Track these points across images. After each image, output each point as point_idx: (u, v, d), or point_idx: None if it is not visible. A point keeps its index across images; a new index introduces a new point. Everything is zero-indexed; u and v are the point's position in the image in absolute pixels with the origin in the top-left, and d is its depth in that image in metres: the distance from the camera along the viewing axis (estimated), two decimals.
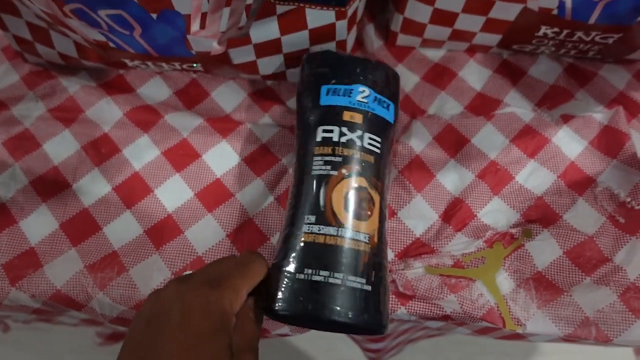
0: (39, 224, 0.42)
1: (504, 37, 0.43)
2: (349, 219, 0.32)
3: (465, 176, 0.43)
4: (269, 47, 0.42)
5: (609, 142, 0.42)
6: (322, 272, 0.30)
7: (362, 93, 0.35)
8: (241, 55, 0.42)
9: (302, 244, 0.32)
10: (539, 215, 0.41)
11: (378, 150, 0.35)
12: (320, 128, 0.35)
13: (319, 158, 0.34)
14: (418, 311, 0.38)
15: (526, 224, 0.41)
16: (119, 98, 0.48)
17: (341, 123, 0.34)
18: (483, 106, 0.45)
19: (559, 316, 0.37)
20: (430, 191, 0.42)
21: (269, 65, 0.44)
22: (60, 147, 0.45)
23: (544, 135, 0.43)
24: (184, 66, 0.45)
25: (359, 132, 0.34)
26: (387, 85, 0.37)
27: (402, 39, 0.47)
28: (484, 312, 0.38)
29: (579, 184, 0.41)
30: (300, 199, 0.34)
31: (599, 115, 0.43)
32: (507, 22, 0.41)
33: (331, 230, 0.32)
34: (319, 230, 0.32)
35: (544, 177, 0.42)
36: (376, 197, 0.34)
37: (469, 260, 0.40)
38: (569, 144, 0.43)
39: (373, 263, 0.32)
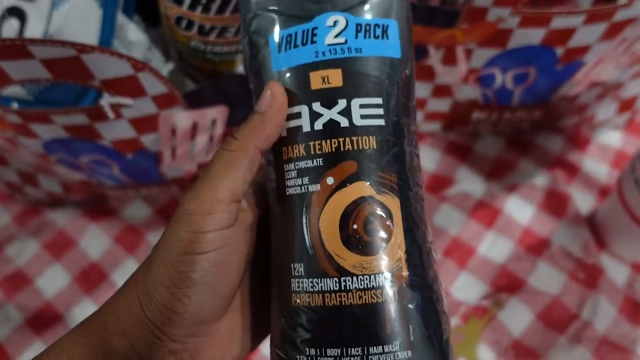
0: None
1: (445, 124, 0.47)
2: (353, 257, 0.20)
3: None
4: None
5: (554, 204, 0.45)
6: (331, 351, 0.19)
7: (335, 27, 0.20)
8: None
9: (294, 312, 0.20)
10: (505, 283, 0.42)
11: (382, 122, 0.20)
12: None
13: (290, 167, 0.21)
14: None
15: (495, 293, 0.42)
16: (104, 224, 0.50)
17: (310, 96, 0.20)
18: (439, 186, 0.48)
19: None
20: None
21: None
22: (52, 281, 0.47)
23: (496, 207, 0.46)
24: (162, 189, 0.47)
25: (343, 103, 0.20)
26: None
27: None
28: None
29: (536, 247, 0.43)
30: (280, 240, 0.22)
31: (541, 180, 0.46)
32: (443, 113, 0.45)
33: (329, 283, 0.20)
34: (312, 287, 0.20)
35: (504, 245, 0.44)
36: (393, 203, 0.20)
37: None
38: (520, 210, 0.45)
39: (408, 312, 0.20)
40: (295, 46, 0.20)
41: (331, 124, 0.20)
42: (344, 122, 0.20)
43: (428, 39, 0.36)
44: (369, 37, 0.20)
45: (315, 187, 0.20)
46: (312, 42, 0.20)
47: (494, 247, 0.44)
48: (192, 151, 0.39)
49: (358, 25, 0.20)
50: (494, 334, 0.40)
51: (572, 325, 0.39)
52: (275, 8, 0.21)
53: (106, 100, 0.31)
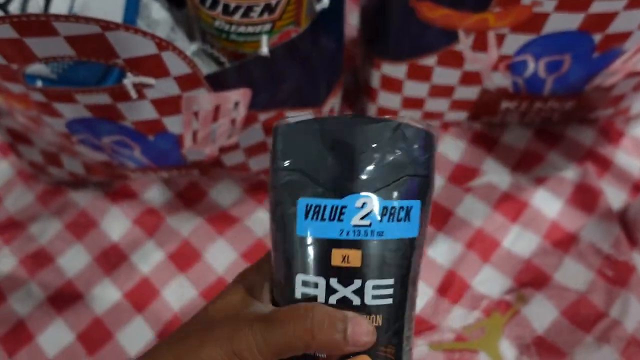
0: (55, 338, 0.43)
1: (471, 113, 0.45)
2: None
3: (455, 247, 0.43)
4: (257, 148, 0.44)
5: (584, 198, 0.43)
6: None
7: (362, 209, 0.20)
8: (232, 158, 0.44)
9: None
10: (530, 278, 0.41)
11: (390, 301, 0.21)
12: (299, 277, 0.21)
13: None
14: None
15: (519, 288, 0.41)
16: (125, 206, 0.50)
17: (329, 271, 0.21)
18: (463, 177, 0.47)
19: None
20: (424, 267, 0.43)
21: (258, 162, 0.46)
22: (73, 260, 0.47)
23: (523, 199, 0.44)
24: (183, 173, 0.47)
25: (358, 283, 0.21)
26: (412, 170, 0.21)
27: None
28: None
29: (563, 242, 0.42)
30: None
31: (571, 173, 0.44)
32: (471, 102, 0.43)
33: None
34: None
35: (529, 240, 0.42)
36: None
37: (469, 332, 0.40)
38: (548, 204, 0.43)
39: None
40: (323, 219, 0.20)
41: (344, 300, 0.21)
42: (356, 301, 0.21)
43: (458, 23, 0.35)
44: (392, 220, 0.21)
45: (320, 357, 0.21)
46: (339, 219, 0.20)
47: (519, 241, 0.43)
48: (214, 134, 0.39)
49: (384, 208, 0.20)
50: (517, 330, 0.39)
51: (600, 324, 0.38)
52: (311, 174, 0.21)
53: (129, 80, 0.31)
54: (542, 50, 0.36)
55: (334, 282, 0.21)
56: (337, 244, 0.20)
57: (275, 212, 0.22)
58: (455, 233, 0.44)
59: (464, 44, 0.37)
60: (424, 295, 0.42)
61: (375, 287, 0.21)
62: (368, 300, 0.21)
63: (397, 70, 0.41)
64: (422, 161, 0.21)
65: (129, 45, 0.29)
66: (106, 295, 0.45)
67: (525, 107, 0.43)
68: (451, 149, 0.48)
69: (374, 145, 0.21)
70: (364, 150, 0.21)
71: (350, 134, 0.21)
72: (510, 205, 0.44)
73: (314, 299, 0.21)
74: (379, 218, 0.20)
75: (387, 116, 0.22)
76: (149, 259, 0.46)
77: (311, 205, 0.21)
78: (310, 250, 0.21)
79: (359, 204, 0.20)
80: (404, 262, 0.21)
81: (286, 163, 0.22)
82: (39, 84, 0.31)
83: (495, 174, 0.46)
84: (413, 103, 0.44)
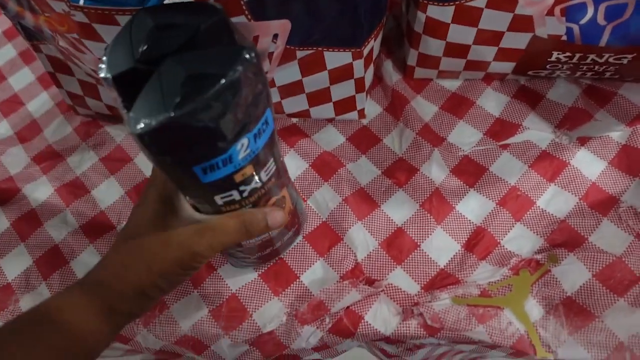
0: (87, 264, 0.45)
1: (518, 64, 0.43)
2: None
3: (486, 204, 0.42)
4: (292, 89, 0.43)
5: (629, 160, 0.41)
6: None
7: (243, 147, 0.26)
8: None
9: None
10: (564, 239, 0.39)
11: (274, 167, 0.30)
12: (217, 197, 0.29)
13: (230, 209, 0.30)
14: (448, 338, 0.38)
15: (551, 248, 0.39)
16: None
17: (236, 185, 0.28)
18: (502, 131, 0.45)
19: (591, 342, 0.36)
20: (451, 222, 0.42)
21: (293, 104, 0.45)
22: (107, 193, 0.48)
23: (562, 159, 0.42)
24: None
25: (256, 178, 0.29)
26: (258, 99, 0.25)
27: (419, 72, 0.48)
28: (513, 341, 0.37)
29: (602, 204, 0.40)
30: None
31: (617, 134, 0.42)
32: (519, 50, 0.41)
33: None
34: None
35: (566, 201, 0.41)
36: (285, 192, 0.33)
37: (495, 289, 0.39)
38: (589, 165, 0.41)
39: None
40: (218, 168, 0.26)
41: (253, 189, 0.29)
42: (258, 183, 0.29)
43: None
44: (260, 136, 0.27)
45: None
46: (230, 162, 0.26)
47: (555, 201, 0.41)
48: None
49: (255, 135, 0.26)
50: (546, 289, 0.38)
51: (635, 288, 0.36)
52: (192, 152, 0.25)
53: (169, 2, 0.30)
54: None
55: (242, 187, 0.28)
56: (235, 172, 0.27)
57: (173, 177, 0.28)
58: (488, 190, 0.42)
59: None
60: (450, 249, 0.41)
61: (266, 170, 0.29)
62: (264, 177, 0.29)
63: (443, 12, 0.39)
64: (258, 77, 0.25)
65: None
66: None
67: (577, 59, 0.40)
68: (492, 102, 0.46)
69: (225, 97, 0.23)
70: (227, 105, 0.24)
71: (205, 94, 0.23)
72: (549, 164, 0.42)
73: (233, 201, 0.29)
74: (254, 141, 0.26)
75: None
76: None
77: (206, 167, 0.26)
78: (217, 185, 0.28)
79: (239, 146, 0.26)
80: (272, 145, 0.29)
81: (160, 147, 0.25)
82: (81, 1, 0.31)
83: (536, 132, 0.44)
84: (457, 50, 0.42)
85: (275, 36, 0.35)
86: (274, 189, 0.31)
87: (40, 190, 0.49)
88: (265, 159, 0.29)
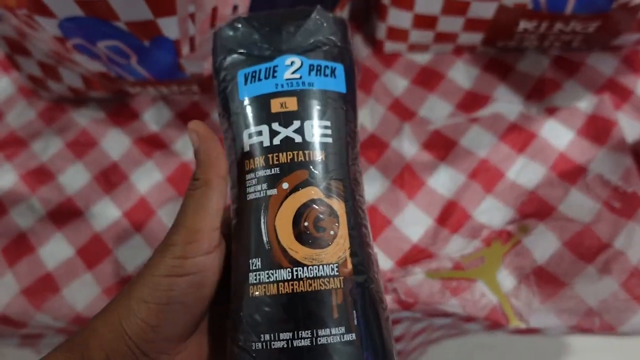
0: (55, 251, 0.43)
1: (487, 35, 0.42)
2: (305, 250, 0.23)
3: (457, 178, 0.41)
4: None
5: (596, 129, 0.40)
6: (283, 335, 0.22)
7: (292, 66, 0.24)
8: None
9: (251, 302, 0.23)
10: (534, 210, 0.39)
11: (329, 139, 0.24)
12: (245, 133, 0.25)
13: (252, 176, 0.24)
14: (422, 311, 0.38)
15: (522, 219, 0.39)
16: (125, 126, 0.48)
17: (270, 118, 0.24)
18: (473, 104, 0.44)
19: (561, 309, 0.36)
20: (423, 197, 0.41)
21: None
22: (74, 178, 0.46)
23: (531, 130, 0.42)
24: (182, 89, 0.45)
25: (297, 124, 0.24)
26: (328, 41, 0.25)
27: (389, 46, 0.47)
28: (486, 312, 0.37)
29: (571, 173, 0.40)
30: (241, 237, 0.24)
31: (584, 104, 0.42)
32: (486, 21, 0.40)
33: (283, 273, 0.23)
34: (268, 278, 0.23)
35: (535, 171, 0.40)
36: (339, 206, 0.24)
37: (468, 261, 0.39)
38: (557, 135, 0.41)
39: (352, 299, 0.23)
40: (260, 80, 0.24)
41: (286, 140, 0.24)
42: (297, 139, 0.24)
43: None
44: (320, 75, 0.25)
45: (272, 192, 0.24)
46: (273, 77, 0.24)
47: (524, 172, 0.41)
48: None
49: (311, 65, 0.25)
50: (517, 260, 0.38)
51: (602, 255, 0.37)
52: (243, 51, 0.25)
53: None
54: None
55: (275, 125, 0.24)
56: (274, 95, 0.24)
57: (221, 97, 0.26)
58: (458, 163, 0.42)
59: None
60: (422, 224, 0.40)
61: (314, 126, 0.24)
62: (309, 138, 0.24)
63: None
64: (336, 33, 0.26)
65: None
66: (105, 212, 0.45)
67: (544, 28, 0.39)
68: (462, 74, 0.46)
69: (296, 23, 0.25)
70: (287, 27, 0.25)
71: (275, 18, 0.25)
72: (518, 135, 0.42)
73: (260, 144, 0.24)
74: (307, 72, 0.24)
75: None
76: (148, 180, 0.45)
77: (248, 73, 0.25)
78: (253, 107, 0.25)
79: (288, 62, 0.24)
80: (339, 111, 0.25)
81: (222, 54, 0.26)
82: None
83: (506, 103, 0.44)
84: (425, 22, 0.41)
85: (235, 7, 0.33)
86: (323, 180, 0.24)
87: (4, 178, 0.47)
88: (319, 108, 0.24)
